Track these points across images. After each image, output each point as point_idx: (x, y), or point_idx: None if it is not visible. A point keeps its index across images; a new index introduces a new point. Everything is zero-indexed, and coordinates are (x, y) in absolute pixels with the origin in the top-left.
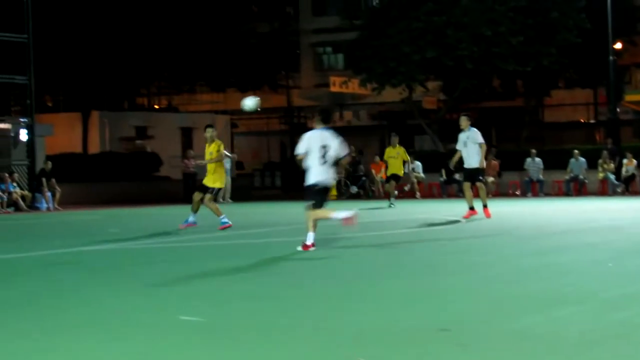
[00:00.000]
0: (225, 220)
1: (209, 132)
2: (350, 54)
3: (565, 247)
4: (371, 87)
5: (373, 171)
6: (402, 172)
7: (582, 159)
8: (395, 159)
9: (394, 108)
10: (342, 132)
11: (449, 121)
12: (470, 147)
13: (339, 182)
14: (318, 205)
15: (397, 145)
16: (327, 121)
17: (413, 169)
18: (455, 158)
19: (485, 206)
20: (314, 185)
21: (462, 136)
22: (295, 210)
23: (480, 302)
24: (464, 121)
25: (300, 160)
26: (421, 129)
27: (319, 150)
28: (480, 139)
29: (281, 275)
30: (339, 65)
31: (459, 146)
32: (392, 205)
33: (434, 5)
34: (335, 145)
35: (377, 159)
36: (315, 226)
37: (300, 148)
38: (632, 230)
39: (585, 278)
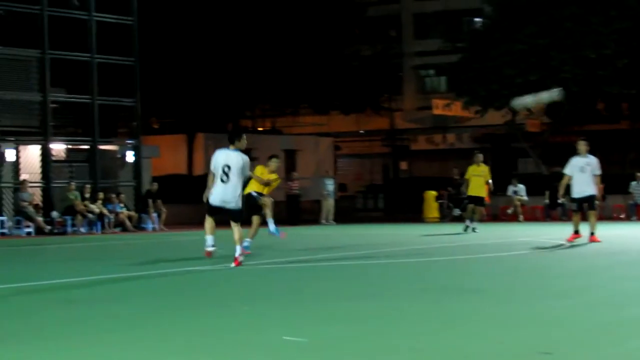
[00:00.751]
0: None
1: (275, 163)
2: (453, 77)
3: None
4: (474, 110)
5: None
6: (486, 194)
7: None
8: (478, 177)
9: (497, 131)
10: (445, 154)
11: (553, 144)
12: (588, 173)
13: (441, 205)
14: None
15: (482, 164)
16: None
17: (515, 192)
18: (564, 182)
19: (592, 234)
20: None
21: (578, 161)
22: (396, 232)
23: (584, 326)
24: (582, 146)
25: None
26: (524, 152)
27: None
28: (600, 170)
29: (380, 298)
30: (442, 88)
31: (571, 171)
32: (474, 230)
33: (537, 27)
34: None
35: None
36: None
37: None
38: None
39: None
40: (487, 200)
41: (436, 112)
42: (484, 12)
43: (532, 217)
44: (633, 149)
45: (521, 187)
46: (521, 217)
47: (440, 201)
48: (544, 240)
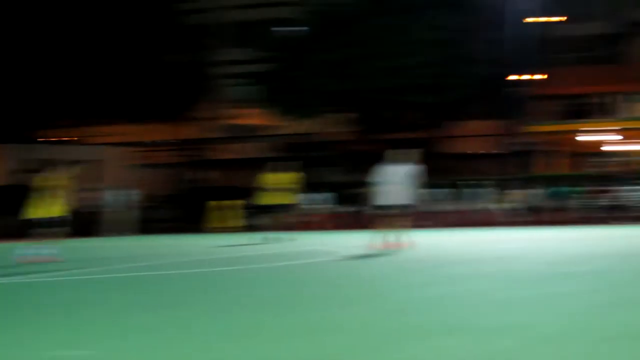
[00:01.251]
0: None
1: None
2: (263, 86)
3: (451, 278)
4: (278, 119)
5: None
6: (286, 201)
7: (488, 189)
8: (277, 186)
9: (303, 140)
10: (246, 164)
11: (358, 153)
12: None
13: (241, 214)
14: None
15: (282, 172)
16: None
17: (319, 201)
18: (374, 190)
19: (397, 240)
20: None
21: (390, 169)
22: (194, 242)
23: (372, 333)
24: (398, 155)
25: None
26: (329, 160)
27: None
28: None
29: (173, 309)
30: (248, 97)
31: (381, 179)
32: (273, 240)
33: (348, 37)
34: None
35: None
36: None
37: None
38: (527, 259)
39: (471, 308)
40: (288, 208)
41: (240, 121)
42: (297, 21)
43: (336, 225)
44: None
45: (325, 196)
46: (324, 225)
47: (239, 211)
48: (343, 249)
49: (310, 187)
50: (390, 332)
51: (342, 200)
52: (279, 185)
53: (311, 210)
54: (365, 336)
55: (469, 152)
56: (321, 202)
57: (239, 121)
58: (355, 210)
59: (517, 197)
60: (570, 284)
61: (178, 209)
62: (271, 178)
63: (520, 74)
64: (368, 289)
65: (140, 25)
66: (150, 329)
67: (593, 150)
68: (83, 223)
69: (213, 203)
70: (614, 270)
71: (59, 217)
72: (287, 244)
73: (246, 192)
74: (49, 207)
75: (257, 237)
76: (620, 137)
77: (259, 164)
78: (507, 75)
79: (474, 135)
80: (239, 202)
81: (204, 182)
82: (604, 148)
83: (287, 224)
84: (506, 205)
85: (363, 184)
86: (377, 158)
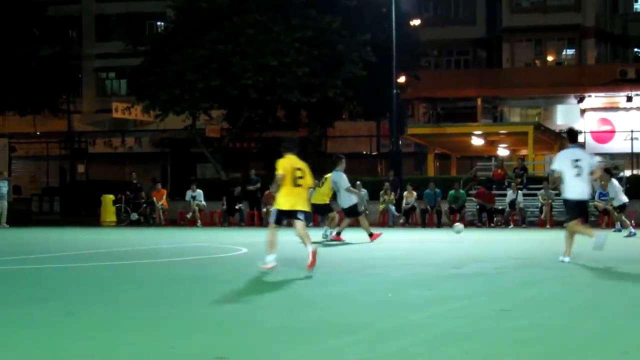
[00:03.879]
0: None
1: None
2: (134, 80)
3: (343, 277)
4: (154, 114)
5: (154, 198)
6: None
7: (364, 190)
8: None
9: (177, 135)
10: (124, 158)
11: (232, 150)
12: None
13: (118, 209)
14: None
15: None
16: (574, 140)
17: (194, 197)
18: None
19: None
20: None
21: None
22: (71, 236)
23: (258, 331)
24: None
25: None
26: (204, 157)
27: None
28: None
29: (53, 303)
30: (122, 91)
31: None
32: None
33: (219, 33)
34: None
35: (159, 186)
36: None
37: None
38: (409, 262)
39: (362, 308)
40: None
41: (116, 115)
42: (167, 16)
43: (210, 222)
44: (311, 156)
45: (199, 192)
46: (199, 222)
47: (117, 205)
48: (220, 246)
49: (184, 183)
50: (279, 331)
51: (217, 197)
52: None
53: (185, 207)
54: (253, 334)
55: (346, 152)
56: (194, 199)
57: (114, 115)
58: (227, 207)
59: (391, 199)
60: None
61: (55, 201)
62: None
63: (395, 76)
64: (249, 286)
65: (8, 16)
66: (33, 323)
67: (476, 154)
68: None
69: (106, 197)
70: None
71: None
72: (163, 240)
73: (125, 186)
74: None
75: (136, 232)
76: (490, 141)
77: (140, 159)
78: (382, 77)
79: (351, 136)
80: (119, 196)
81: (82, 175)
82: (480, 151)
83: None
84: (380, 207)
85: (237, 181)
86: (252, 155)
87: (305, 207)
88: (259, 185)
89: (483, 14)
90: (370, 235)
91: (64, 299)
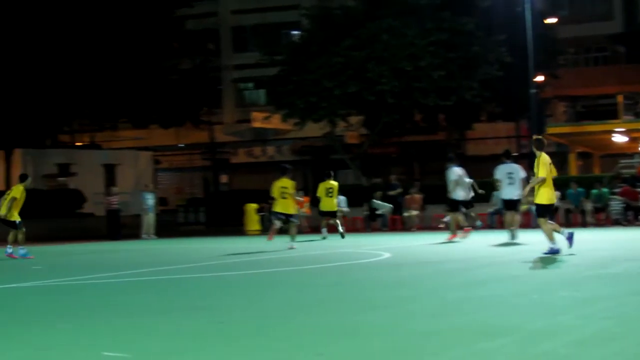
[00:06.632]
0: None
1: None
2: (272, 90)
3: (490, 279)
4: (293, 123)
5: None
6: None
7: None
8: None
9: (316, 143)
10: (265, 167)
11: (372, 155)
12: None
13: (262, 217)
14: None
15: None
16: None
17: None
18: None
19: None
20: None
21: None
22: (217, 245)
23: (406, 336)
24: None
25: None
26: (344, 163)
27: None
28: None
29: (207, 312)
30: (261, 101)
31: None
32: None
33: (355, 40)
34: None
35: (301, 193)
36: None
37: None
38: (556, 262)
39: (510, 310)
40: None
41: (255, 125)
42: (301, 25)
43: (352, 228)
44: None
45: (342, 199)
46: (342, 228)
47: (261, 214)
48: (364, 251)
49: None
50: (427, 335)
51: (358, 203)
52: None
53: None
54: (402, 339)
55: (486, 154)
56: (342, 205)
57: (254, 125)
58: (371, 213)
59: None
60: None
61: (199, 212)
62: (288, 185)
63: (532, 75)
64: (400, 291)
65: (150, 31)
66: (186, 332)
67: (619, 151)
68: (108, 226)
69: (245, 206)
70: None
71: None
72: (310, 247)
73: (267, 195)
74: None
75: (281, 240)
76: (633, 138)
77: (277, 168)
78: (519, 77)
79: (490, 138)
80: (262, 205)
81: (224, 185)
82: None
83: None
84: (523, 207)
85: (378, 186)
86: (391, 160)
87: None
88: (400, 190)
89: (620, 9)
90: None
91: (213, 307)
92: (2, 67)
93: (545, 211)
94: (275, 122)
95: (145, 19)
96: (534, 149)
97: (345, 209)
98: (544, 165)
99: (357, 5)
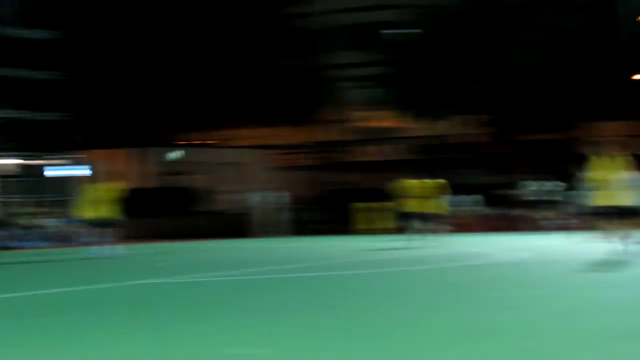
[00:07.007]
0: None
1: None
2: (388, 89)
3: (625, 281)
4: (410, 121)
5: None
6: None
7: None
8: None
9: (436, 142)
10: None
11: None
12: None
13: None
14: None
15: (426, 180)
16: None
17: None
18: None
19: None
20: None
21: None
22: (357, 244)
23: (538, 339)
24: None
25: None
26: (463, 162)
27: None
28: None
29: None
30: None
31: None
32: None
33: (462, 39)
34: None
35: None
36: None
37: None
38: None
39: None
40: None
41: (370, 123)
42: (406, 24)
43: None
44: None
45: (471, 198)
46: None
47: (387, 213)
48: (497, 251)
49: (453, 189)
50: (588, 334)
51: (489, 202)
52: (423, 192)
53: (458, 213)
54: (534, 341)
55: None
56: (467, 204)
57: (369, 124)
58: (503, 212)
59: None
60: None
61: (324, 210)
62: (415, 184)
63: None
64: (529, 291)
65: (263, 32)
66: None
67: None
68: (234, 225)
69: (359, 205)
70: None
71: None
72: (437, 247)
73: (386, 194)
74: None
75: (405, 239)
76: None
77: (395, 167)
78: (631, 75)
79: (611, 137)
80: (386, 204)
81: (343, 184)
82: None
83: (436, 228)
84: None
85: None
86: (513, 159)
87: None
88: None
89: None
90: None
91: (335, 307)
92: (124, 66)
93: None
94: (391, 120)
95: (255, 21)
96: None
97: (473, 208)
98: None
99: (462, 4)
